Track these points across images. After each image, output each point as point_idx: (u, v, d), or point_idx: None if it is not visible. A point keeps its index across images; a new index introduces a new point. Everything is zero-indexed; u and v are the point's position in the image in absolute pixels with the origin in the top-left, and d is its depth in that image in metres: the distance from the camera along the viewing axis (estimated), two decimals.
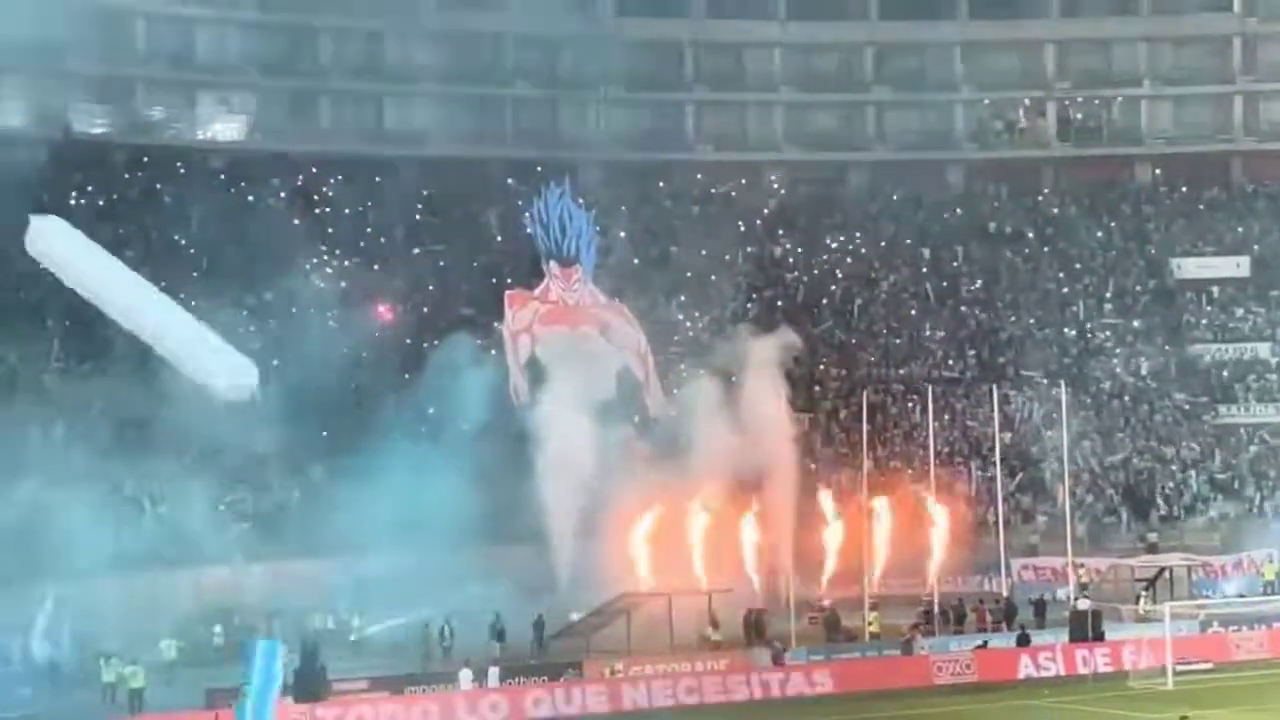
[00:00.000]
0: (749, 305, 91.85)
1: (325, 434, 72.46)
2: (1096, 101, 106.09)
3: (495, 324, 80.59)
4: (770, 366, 73.01)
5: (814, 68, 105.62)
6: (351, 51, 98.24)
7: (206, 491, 66.63)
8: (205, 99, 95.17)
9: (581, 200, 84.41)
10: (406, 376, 76.57)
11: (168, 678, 56.64)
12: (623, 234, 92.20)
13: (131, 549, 61.99)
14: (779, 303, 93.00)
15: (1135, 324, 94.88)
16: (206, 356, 53.41)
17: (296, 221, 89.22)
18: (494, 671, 55.48)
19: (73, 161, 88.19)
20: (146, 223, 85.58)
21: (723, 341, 79.83)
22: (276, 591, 63.41)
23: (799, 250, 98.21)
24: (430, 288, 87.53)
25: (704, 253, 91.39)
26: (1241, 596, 69.34)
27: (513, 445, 69.89)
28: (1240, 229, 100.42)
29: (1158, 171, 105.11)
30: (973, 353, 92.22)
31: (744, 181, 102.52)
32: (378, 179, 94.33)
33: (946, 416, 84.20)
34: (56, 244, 50.65)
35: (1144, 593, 68.40)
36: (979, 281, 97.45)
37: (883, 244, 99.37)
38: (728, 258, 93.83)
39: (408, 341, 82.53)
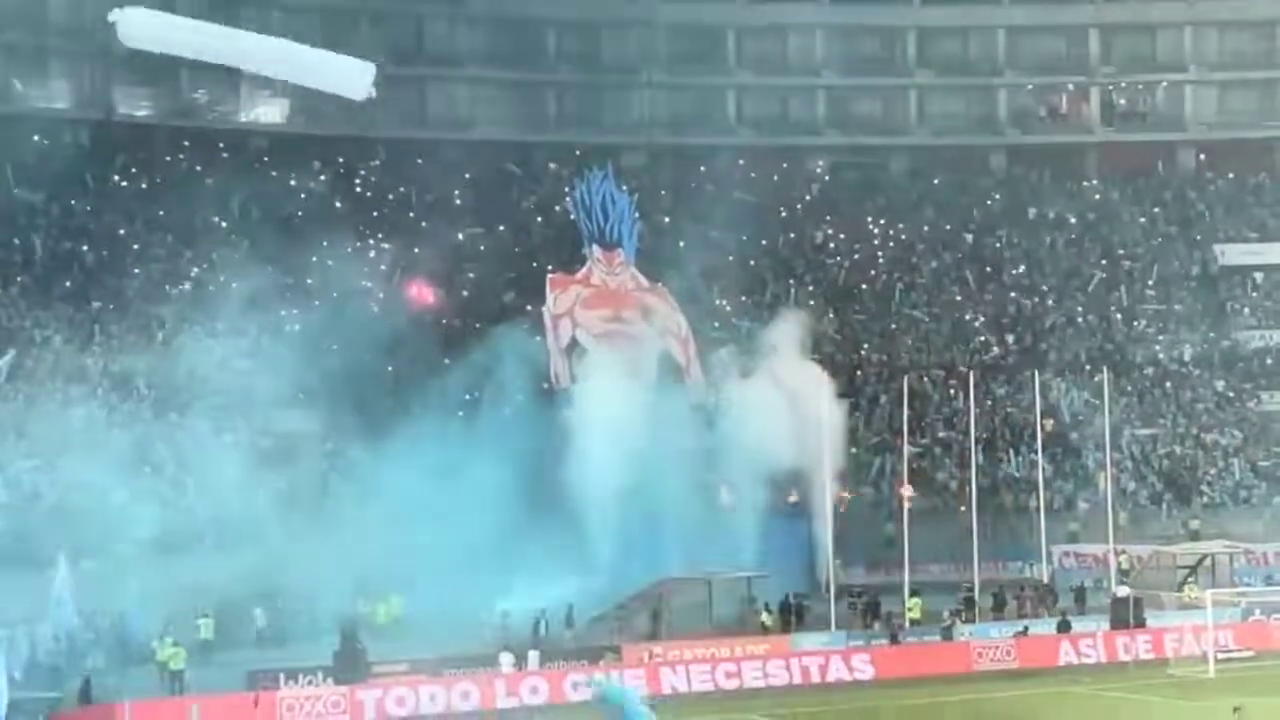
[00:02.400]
0: (790, 290, 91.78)
1: (365, 416, 72.54)
2: (1140, 86, 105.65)
3: (536, 308, 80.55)
4: (805, 349, 73.04)
5: (856, 52, 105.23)
6: (394, 35, 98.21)
7: (247, 473, 66.82)
8: (248, 82, 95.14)
9: (624, 185, 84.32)
10: (447, 360, 76.63)
11: (203, 658, 56.79)
12: (665, 218, 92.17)
13: (172, 530, 62.22)
14: (820, 288, 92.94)
15: (1178, 310, 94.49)
16: (327, 71, 51.92)
17: (338, 204, 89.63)
18: (534, 655, 55.56)
19: (116, 143, 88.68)
20: (188, 205, 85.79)
21: (763, 326, 79.69)
22: (316, 573, 63.50)
23: (840, 235, 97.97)
24: (471, 272, 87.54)
25: (745, 237, 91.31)
26: None
27: (553, 429, 69.86)
28: None
29: (1201, 157, 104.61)
30: (1014, 338, 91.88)
31: (786, 166, 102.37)
32: (419, 162, 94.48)
33: (988, 402, 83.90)
34: (147, 32, 50.11)
35: (1190, 579, 68.22)
36: (1021, 267, 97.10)
37: (925, 229, 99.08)
38: (765, 242, 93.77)
39: (446, 324, 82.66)
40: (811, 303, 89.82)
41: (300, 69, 51.06)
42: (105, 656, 56.63)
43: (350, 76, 49.77)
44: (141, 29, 49.04)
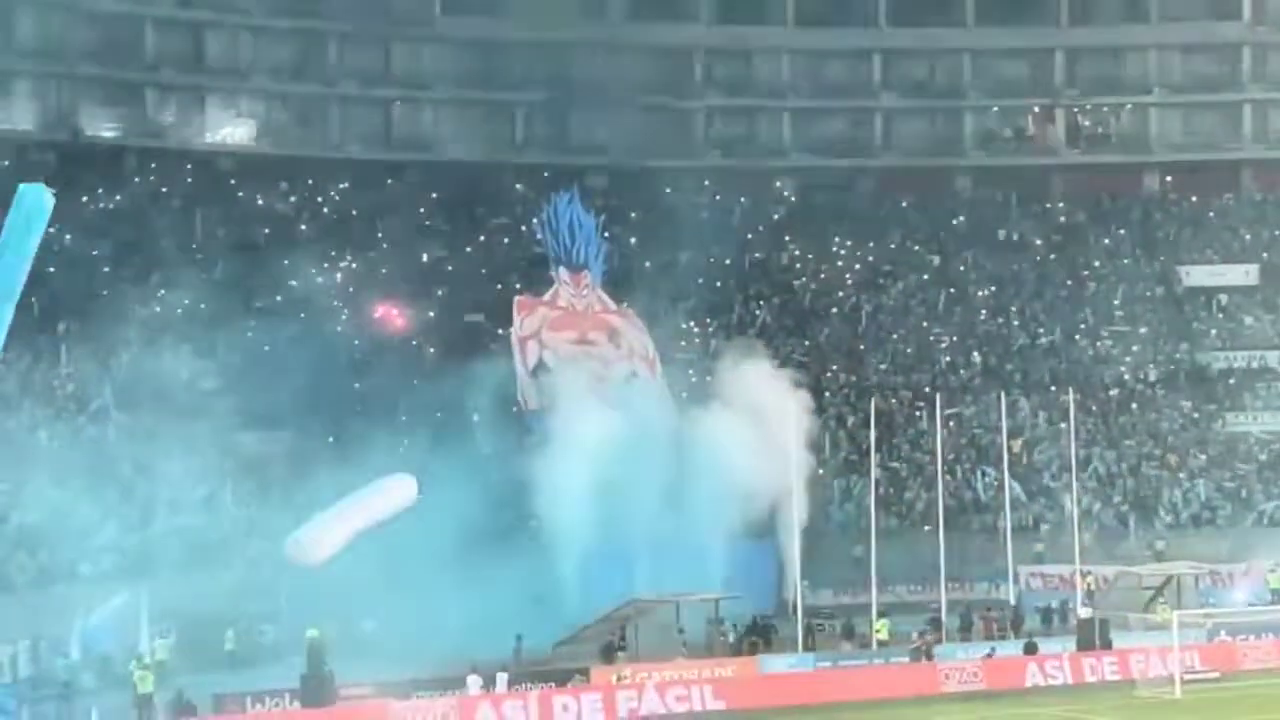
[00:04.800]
0: (757, 312, 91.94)
1: (332, 437, 72.49)
2: (1105, 109, 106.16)
3: (503, 330, 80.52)
4: (772, 370, 73.14)
5: (823, 74, 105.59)
6: (360, 56, 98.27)
7: (215, 494, 66.71)
8: (214, 103, 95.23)
9: (591, 206, 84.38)
10: (415, 381, 76.59)
11: (162, 681, 56.30)
12: (632, 240, 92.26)
13: (140, 551, 62.03)
14: (787, 309, 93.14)
15: (1143, 331, 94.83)
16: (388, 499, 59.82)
17: (304, 226, 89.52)
18: (502, 677, 55.37)
19: (82, 165, 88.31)
20: (155, 226, 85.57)
21: (730, 347, 79.69)
22: (285, 595, 63.36)
23: (807, 257, 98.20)
24: (438, 293, 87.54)
25: (712, 259, 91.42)
26: (1250, 605, 69.28)
27: (520, 451, 69.83)
28: (1249, 237, 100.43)
29: (1167, 179, 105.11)
30: (980, 359, 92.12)
31: (752, 187, 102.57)
32: (388, 182, 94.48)
33: (953, 423, 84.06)
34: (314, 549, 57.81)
35: (1161, 599, 68.38)
36: (987, 289, 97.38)
37: (891, 250, 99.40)
38: (732, 264, 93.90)
39: (414, 345, 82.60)
40: (778, 324, 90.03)
41: (386, 504, 60.15)
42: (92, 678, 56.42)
43: (404, 490, 60.81)
44: (315, 543, 55.06)
